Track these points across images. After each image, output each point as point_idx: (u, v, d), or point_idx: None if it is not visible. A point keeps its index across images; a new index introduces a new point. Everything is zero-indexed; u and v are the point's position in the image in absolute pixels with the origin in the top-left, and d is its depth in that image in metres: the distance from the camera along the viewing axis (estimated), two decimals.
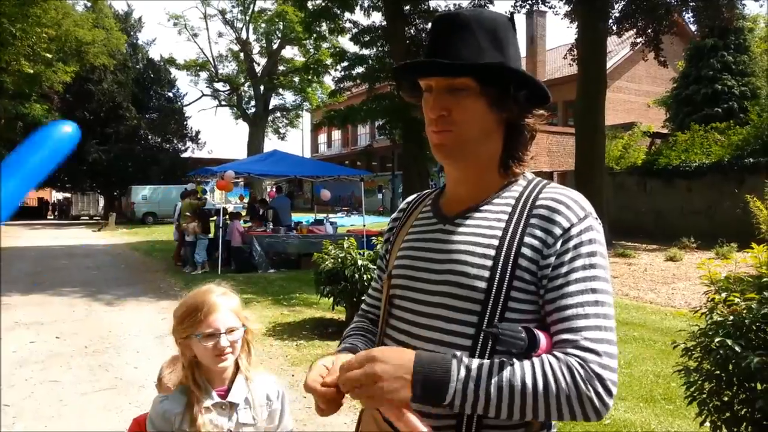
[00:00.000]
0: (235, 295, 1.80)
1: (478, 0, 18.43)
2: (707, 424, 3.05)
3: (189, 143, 40.74)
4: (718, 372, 2.97)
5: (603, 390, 1.00)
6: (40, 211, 44.22)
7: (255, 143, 36.79)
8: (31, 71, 24.10)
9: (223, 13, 38.10)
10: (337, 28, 21.17)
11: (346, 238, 7.67)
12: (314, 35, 24.85)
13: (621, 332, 6.85)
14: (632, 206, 17.81)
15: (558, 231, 1.10)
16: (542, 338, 1.05)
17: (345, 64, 21.54)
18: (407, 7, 19.10)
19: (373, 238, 7.87)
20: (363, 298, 1.56)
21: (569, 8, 18.07)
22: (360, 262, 6.54)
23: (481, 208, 1.20)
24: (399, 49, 18.41)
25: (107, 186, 37.61)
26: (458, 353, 1.04)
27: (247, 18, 37.61)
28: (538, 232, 1.11)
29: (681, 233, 14.56)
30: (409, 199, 1.46)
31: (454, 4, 19.00)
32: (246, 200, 23.29)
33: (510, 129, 1.20)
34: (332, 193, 17.51)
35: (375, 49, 20.77)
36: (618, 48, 28.48)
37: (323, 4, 20.25)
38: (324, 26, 21.90)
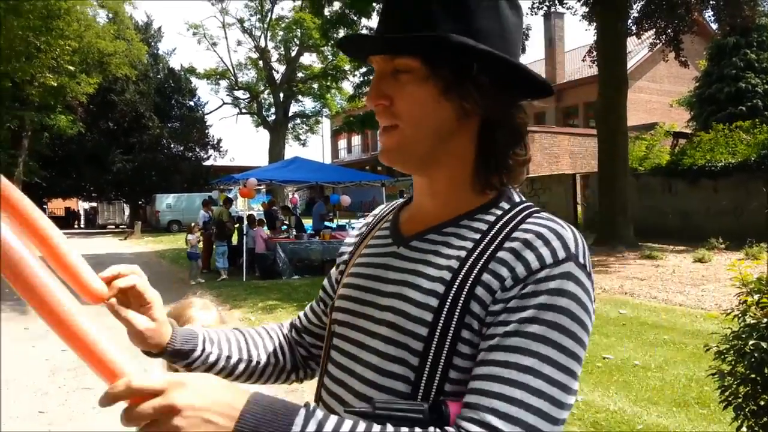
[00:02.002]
0: (213, 311, 1.74)
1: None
2: (744, 429, 3.02)
3: (211, 151, 41.28)
4: (753, 375, 2.94)
5: None
6: (67, 220, 44.98)
7: (276, 150, 37.08)
8: (56, 83, 24.61)
9: (241, 21, 38.55)
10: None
11: None
12: (331, 41, 24.99)
13: (651, 335, 6.79)
14: (657, 207, 17.59)
15: (521, 271, 0.81)
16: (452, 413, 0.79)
17: (363, 69, 21.64)
18: None
19: None
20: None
21: (587, 9, 17.98)
22: None
23: (445, 230, 0.92)
24: None
25: (132, 195, 38.18)
26: (312, 405, 0.77)
27: (265, 26, 37.98)
28: (501, 269, 0.82)
29: (708, 234, 14.36)
30: (377, 210, 1.18)
31: None
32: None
33: (486, 126, 0.91)
34: (353, 198, 17.60)
35: None
36: (638, 48, 28.21)
37: (340, 11, 20.37)
38: (341, 32, 22.02)
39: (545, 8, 20.26)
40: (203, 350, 1.04)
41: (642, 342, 6.53)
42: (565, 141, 25.36)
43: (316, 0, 20.09)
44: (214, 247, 13.50)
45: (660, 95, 30.38)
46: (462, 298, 0.83)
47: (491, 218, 0.91)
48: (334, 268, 1.19)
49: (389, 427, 0.75)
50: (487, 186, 0.93)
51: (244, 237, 13.17)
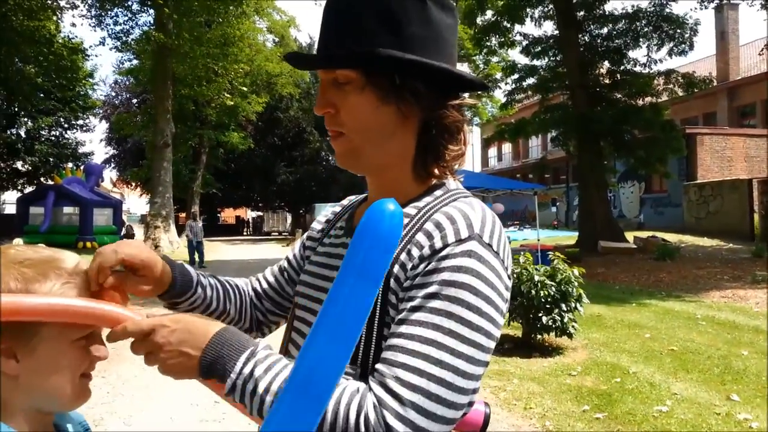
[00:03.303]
0: None
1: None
2: None
3: None
4: None
5: None
6: (237, 227, 49.00)
7: None
8: (231, 103, 27.02)
9: None
10: (507, 42, 21.10)
11: (521, 253, 7.61)
12: (484, 50, 24.95)
13: None
14: None
15: (426, 251, 0.89)
16: None
17: (515, 76, 21.37)
18: (581, 13, 18.51)
19: (549, 252, 7.72)
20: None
21: None
22: (536, 278, 6.46)
23: None
24: (573, 56, 17.88)
25: (294, 204, 40.84)
26: (266, 344, 0.88)
27: None
28: (414, 249, 0.90)
29: None
30: (345, 201, 1.29)
31: (633, 5, 18.06)
32: None
33: (424, 125, 0.98)
34: (505, 207, 17.43)
35: (546, 59, 20.38)
36: None
37: (492, 19, 20.31)
38: (493, 40, 21.93)
39: (717, 0, 18.75)
40: (193, 293, 1.14)
41: None
42: (740, 143, 23.13)
43: (469, 10, 20.19)
44: None
45: None
46: (383, 279, 0.90)
47: (421, 204, 0.98)
48: (298, 243, 1.27)
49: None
50: (426, 177, 1.01)
51: None
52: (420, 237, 0.91)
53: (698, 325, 7.70)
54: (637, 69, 18.22)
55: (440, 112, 0.97)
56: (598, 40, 18.83)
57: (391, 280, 0.91)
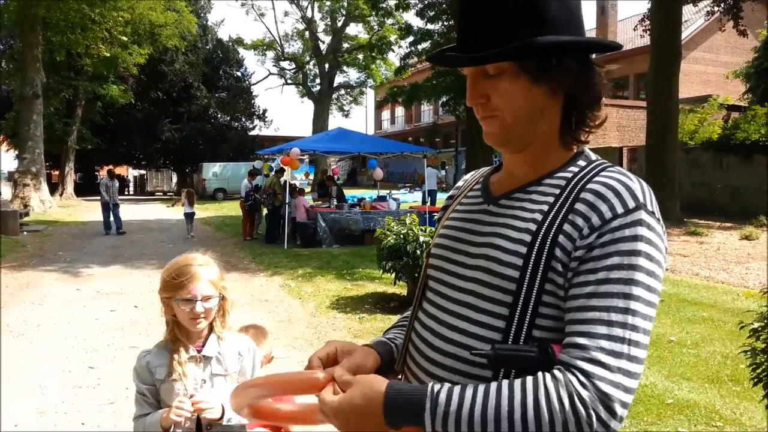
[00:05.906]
0: (215, 265, 2.00)
1: None
2: None
3: (256, 121, 41.76)
4: None
5: (605, 413, 0.85)
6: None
7: (320, 121, 37.28)
8: (108, 54, 25.19)
9: None
10: (402, 4, 21.11)
11: (408, 214, 7.75)
12: (380, 11, 24.76)
13: (689, 312, 6.70)
14: (707, 183, 17.09)
15: (596, 221, 0.94)
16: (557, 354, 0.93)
17: (410, 39, 21.48)
18: None
19: (435, 214, 7.92)
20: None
21: None
22: (422, 238, 6.62)
23: (529, 189, 1.07)
24: None
25: (180, 163, 39.04)
26: (437, 385, 0.93)
27: None
28: (578, 219, 0.96)
29: (759, 211, 13.90)
30: (467, 176, 1.36)
31: None
32: (311, 177, 23.77)
33: (569, 96, 1.04)
34: (395, 170, 17.69)
35: (440, 24, 20.61)
36: (695, 17, 27.09)
37: None
38: (390, 1, 21.84)
39: None
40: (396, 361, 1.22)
41: (679, 319, 6.45)
42: (613, 113, 24.72)
43: None
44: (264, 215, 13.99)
45: (716, 66, 29.20)
46: (547, 245, 0.97)
47: (569, 175, 1.05)
48: None
49: (503, 386, 0.89)
50: (572, 143, 1.08)
51: (286, 206, 13.41)
52: (582, 207, 0.97)
53: None
54: None
55: (588, 82, 1.04)
56: None
57: (555, 248, 0.96)
